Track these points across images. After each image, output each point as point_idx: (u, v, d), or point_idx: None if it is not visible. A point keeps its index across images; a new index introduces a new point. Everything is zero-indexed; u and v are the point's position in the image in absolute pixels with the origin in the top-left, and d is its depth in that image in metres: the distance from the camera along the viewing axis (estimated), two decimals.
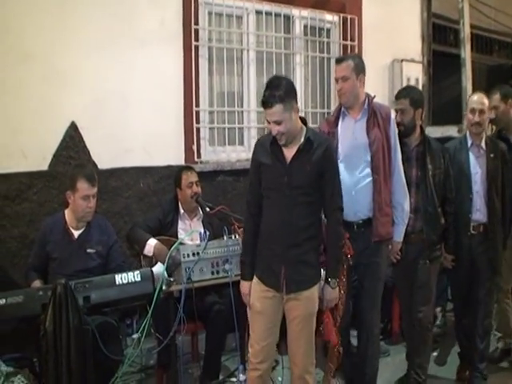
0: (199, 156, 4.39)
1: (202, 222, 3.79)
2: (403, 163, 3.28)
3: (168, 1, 4.22)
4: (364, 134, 3.09)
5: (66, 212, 3.41)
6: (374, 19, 5.24)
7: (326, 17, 5.10)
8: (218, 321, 3.47)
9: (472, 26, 5.02)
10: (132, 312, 3.21)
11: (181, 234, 3.60)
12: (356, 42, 5.17)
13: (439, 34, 5.99)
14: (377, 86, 5.13)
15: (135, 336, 3.82)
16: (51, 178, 3.73)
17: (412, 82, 5.29)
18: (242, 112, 4.74)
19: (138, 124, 4.05)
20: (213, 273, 3.30)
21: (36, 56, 3.65)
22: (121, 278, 2.96)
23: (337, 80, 3.14)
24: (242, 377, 3.30)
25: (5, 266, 3.62)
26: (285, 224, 2.72)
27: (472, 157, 3.59)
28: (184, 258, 3.20)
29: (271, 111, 2.61)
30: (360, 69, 3.10)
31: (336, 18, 5.16)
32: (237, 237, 3.40)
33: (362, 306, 3.22)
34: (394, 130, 3.15)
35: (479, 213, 3.57)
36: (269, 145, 2.75)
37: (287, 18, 4.91)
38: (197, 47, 4.37)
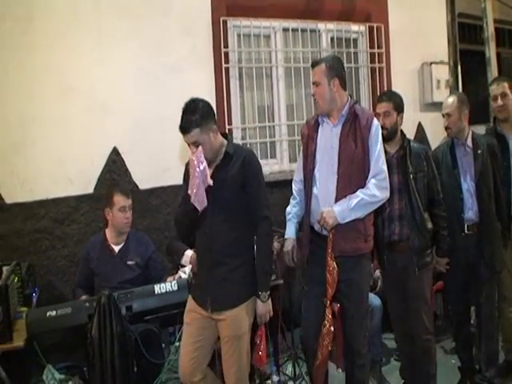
0: None
1: None
2: None
3: (198, 27, 4.49)
4: (338, 142, 2.93)
5: (106, 230, 3.71)
6: (400, 25, 5.31)
7: (352, 27, 5.21)
8: (254, 325, 3.61)
9: (501, 21, 4.97)
10: (174, 321, 3.41)
11: None
12: (383, 49, 5.26)
13: (468, 34, 5.99)
14: (407, 91, 5.23)
15: (178, 344, 4.03)
16: (96, 200, 4.06)
17: (442, 84, 5.32)
18: (274, 126, 4.93)
19: (175, 144, 4.29)
20: None
21: (77, 88, 4.01)
22: (159, 288, 3.18)
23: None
24: (275, 378, 3.44)
25: (55, 282, 3.97)
26: (208, 242, 2.72)
27: (459, 156, 3.52)
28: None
29: (189, 136, 2.65)
30: (334, 71, 2.91)
31: (362, 28, 5.26)
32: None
33: (344, 327, 2.98)
34: (375, 137, 2.91)
35: (471, 212, 3.48)
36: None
37: (314, 32, 5.06)
38: (227, 69, 4.62)
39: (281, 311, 3.54)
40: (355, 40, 5.31)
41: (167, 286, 3.20)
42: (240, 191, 2.71)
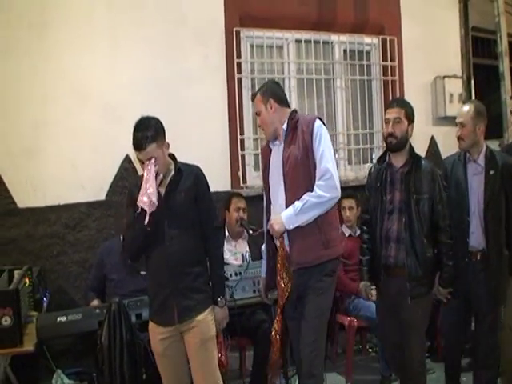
0: (244, 181, 4.63)
1: (248, 242, 4.01)
2: (386, 186, 3.09)
3: (211, 37, 4.53)
4: (281, 153, 2.87)
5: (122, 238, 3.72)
6: (414, 38, 5.32)
7: (365, 40, 5.23)
8: (266, 339, 3.46)
9: None
10: None
11: (225, 254, 3.79)
12: (396, 62, 5.26)
13: (482, 48, 6.00)
14: (420, 104, 5.22)
15: None
16: (108, 207, 4.09)
17: (455, 98, 5.32)
18: None
19: (187, 153, 4.21)
20: (254, 291, 3.48)
21: (91, 96, 4.06)
22: None
23: None
24: None
25: (66, 287, 3.99)
26: (169, 255, 2.71)
27: (469, 174, 3.25)
28: (228, 278, 3.40)
29: (145, 152, 2.65)
30: (268, 96, 2.89)
31: (375, 40, 5.27)
32: None
33: (299, 342, 2.83)
34: (318, 138, 2.77)
35: (474, 237, 3.21)
36: None
37: (326, 44, 5.07)
38: (240, 79, 4.64)
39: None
40: (368, 52, 5.32)
41: None
42: (193, 204, 2.79)
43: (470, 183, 3.26)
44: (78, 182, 4.02)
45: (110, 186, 4.14)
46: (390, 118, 3.11)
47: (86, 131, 4.03)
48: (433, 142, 5.47)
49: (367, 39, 5.25)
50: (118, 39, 4.17)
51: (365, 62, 5.24)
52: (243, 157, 4.67)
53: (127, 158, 4.16)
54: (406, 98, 5.21)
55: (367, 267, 3.23)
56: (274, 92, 2.93)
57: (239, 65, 4.64)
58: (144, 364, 3.00)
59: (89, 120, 4.05)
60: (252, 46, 4.77)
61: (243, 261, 3.77)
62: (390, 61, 5.26)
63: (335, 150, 5.02)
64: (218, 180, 4.45)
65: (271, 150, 2.98)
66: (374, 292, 3.21)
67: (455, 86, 5.37)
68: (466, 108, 3.30)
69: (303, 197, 2.71)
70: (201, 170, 2.91)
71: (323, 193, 2.70)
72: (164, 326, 2.75)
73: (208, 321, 2.78)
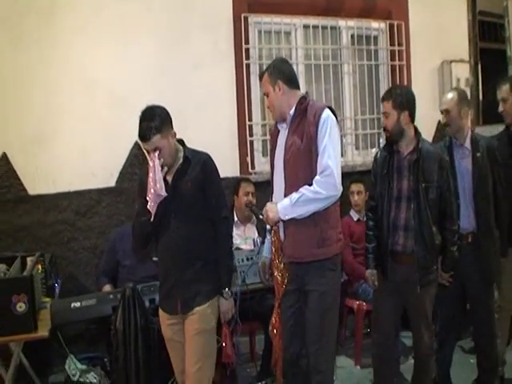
0: (253, 167, 4.65)
1: (256, 227, 4.03)
2: (393, 173, 3.07)
3: (219, 24, 4.52)
4: (284, 141, 2.80)
5: None
6: (421, 23, 5.29)
7: (372, 25, 5.21)
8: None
9: None
10: None
11: (236, 240, 3.82)
12: (404, 47, 5.24)
13: (489, 32, 5.96)
14: (427, 89, 5.25)
15: None
16: (118, 194, 4.12)
17: (462, 83, 5.29)
18: None
19: (196, 139, 4.18)
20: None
21: (100, 83, 4.06)
22: None
23: None
24: None
25: (77, 274, 4.03)
26: (175, 245, 2.71)
27: (457, 158, 3.32)
28: (239, 262, 3.44)
29: (150, 142, 2.62)
30: (275, 76, 2.77)
31: (383, 25, 5.25)
32: None
33: (305, 340, 2.78)
34: (323, 131, 2.64)
35: (466, 220, 3.26)
36: None
37: (334, 29, 5.05)
38: (248, 65, 4.64)
39: None
40: (375, 37, 5.30)
41: None
42: (201, 193, 2.74)
43: (458, 167, 3.31)
44: (89, 168, 4.04)
45: (120, 173, 4.16)
46: (383, 112, 3.14)
47: (96, 118, 4.04)
48: (440, 127, 5.44)
49: (374, 24, 5.23)
50: (126, 26, 4.16)
51: (372, 47, 5.23)
52: (252, 142, 4.68)
53: (136, 145, 4.16)
54: (413, 82, 5.26)
55: (373, 254, 3.20)
56: (282, 71, 2.79)
57: (247, 51, 4.63)
58: (158, 348, 3.02)
59: (98, 107, 4.06)
60: (260, 32, 4.75)
61: (254, 246, 3.78)
62: (398, 45, 5.24)
63: (343, 136, 5.03)
64: (227, 166, 4.46)
65: (279, 131, 2.89)
66: None
67: (462, 71, 5.33)
68: (450, 95, 3.36)
69: (300, 189, 2.63)
70: (209, 158, 2.83)
71: (320, 189, 2.60)
72: (169, 314, 2.78)
73: (207, 313, 2.74)
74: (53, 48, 3.95)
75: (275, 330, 2.83)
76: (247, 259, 3.49)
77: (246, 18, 4.58)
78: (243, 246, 3.79)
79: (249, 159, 4.62)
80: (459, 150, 3.34)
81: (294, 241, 2.71)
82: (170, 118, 2.75)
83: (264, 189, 4.58)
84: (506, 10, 4.57)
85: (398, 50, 5.25)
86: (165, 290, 2.79)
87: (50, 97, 3.94)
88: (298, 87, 2.85)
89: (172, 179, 2.74)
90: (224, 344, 2.93)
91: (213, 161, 2.85)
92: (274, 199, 2.84)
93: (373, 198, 3.25)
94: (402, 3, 5.29)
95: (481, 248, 3.27)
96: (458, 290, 3.38)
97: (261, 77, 2.88)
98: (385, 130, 3.13)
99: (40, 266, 3.28)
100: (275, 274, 2.78)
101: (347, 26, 5.08)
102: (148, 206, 2.63)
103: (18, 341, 2.94)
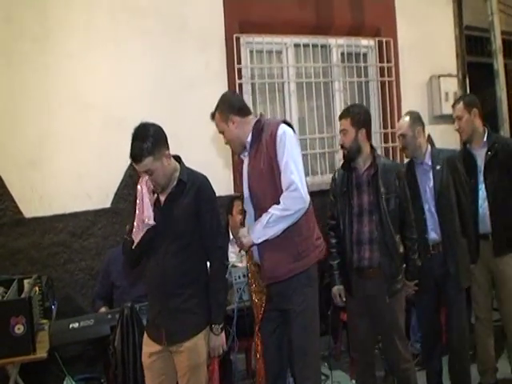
0: None
1: None
2: (353, 190, 3.13)
3: (212, 44, 4.59)
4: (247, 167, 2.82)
5: None
6: (409, 39, 5.39)
7: (361, 42, 5.29)
8: None
9: (507, 33, 5.04)
10: None
11: (231, 258, 3.83)
12: (393, 63, 5.33)
13: (475, 46, 6.06)
14: (416, 104, 5.30)
15: None
16: (114, 214, 4.15)
17: (450, 97, 5.38)
18: None
19: (191, 159, 4.28)
20: None
21: (95, 105, 4.11)
22: None
23: None
24: None
25: (73, 295, 4.03)
26: (160, 274, 2.61)
27: (419, 175, 3.45)
28: (235, 279, 3.45)
29: (141, 165, 2.55)
30: (226, 112, 2.77)
31: (372, 42, 5.34)
32: None
33: (290, 359, 2.84)
34: (281, 147, 2.65)
35: (434, 232, 3.41)
36: None
37: (324, 47, 5.15)
38: (240, 85, 4.70)
39: None
40: (365, 54, 5.39)
41: None
42: (194, 220, 2.63)
43: (420, 183, 3.45)
44: (84, 190, 4.06)
45: (115, 194, 4.19)
46: (340, 130, 3.22)
47: (91, 141, 4.08)
48: (430, 140, 5.53)
49: (364, 41, 5.32)
50: (119, 48, 4.23)
51: (362, 64, 5.30)
52: None
53: (132, 166, 4.15)
54: (403, 97, 5.35)
55: (338, 271, 3.25)
56: (231, 105, 2.79)
57: (240, 70, 4.70)
58: None
59: (93, 130, 4.10)
60: (252, 52, 4.83)
61: None
62: (387, 62, 5.33)
63: (334, 152, 5.10)
64: (221, 184, 4.44)
65: (243, 160, 2.89)
66: None
67: (450, 85, 5.44)
68: (403, 120, 3.53)
69: (269, 210, 2.64)
70: (206, 181, 2.74)
71: (288, 206, 2.63)
72: (154, 341, 2.69)
73: (198, 347, 2.64)
74: (48, 72, 3.99)
75: (258, 354, 2.87)
76: (243, 276, 3.50)
77: (237, 39, 4.65)
78: (239, 264, 3.80)
79: None
80: (420, 167, 3.48)
81: (271, 261, 2.70)
82: (165, 137, 2.66)
83: None
84: (491, 24, 4.67)
85: (387, 67, 5.33)
86: (151, 316, 2.72)
87: (46, 120, 3.98)
88: (249, 112, 2.85)
89: (165, 201, 2.65)
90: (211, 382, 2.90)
91: (209, 184, 2.75)
92: (245, 225, 2.84)
93: (333, 216, 3.30)
94: (390, 20, 5.39)
95: (448, 256, 3.38)
96: (433, 301, 3.51)
97: (212, 117, 2.83)
98: (342, 147, 3.20)
99: (37, 288, 3.30)
100: (253, 298, 2.85)
101: (337, 43, 5.17)
102: (132, 234, 2.56)
103: (17, 363, 2.93)
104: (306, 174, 4.58)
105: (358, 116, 3.13)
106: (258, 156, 2.72)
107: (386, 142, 5.35)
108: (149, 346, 2.70)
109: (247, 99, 4.73)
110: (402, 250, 3.13)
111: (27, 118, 3.95)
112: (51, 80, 4.01)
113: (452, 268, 3.37)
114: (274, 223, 2.63)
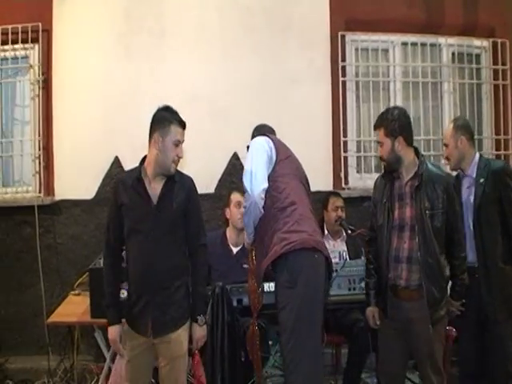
0: (346, 182, 4.69)
1: (346, 242, 4.05)
2: (394, 201, 2.86)
3: (317, 42, 4.67)
4: None
5: (227, 230, 3.90)
6: None
7: (474, 42, 5.09)
8: (360, 338, 3.48)
9: None
10: None
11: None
12: (508, 66, 5.06)
13: None
14: None
15: None
16: (217, 199, 4.39)
17: None
18: None
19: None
20: (349, 289, 3.46)
21: (202, 97, 4.36)
22: (268, 287, 3.23)
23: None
24: None
25: None
26: (149, 267, 2.64)
27: (463, 188, 3.17)
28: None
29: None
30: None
31: (485, 43, 5.12)
32: None
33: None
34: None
35: (471, 253, 3.05)
36: (131, 183, 2.70)
37: (434, 46, 5.01)
38: (344, 82, 4.73)
39: None
40: (478, 56, 5.17)
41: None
42: (182, 218, 2.73)
43: (463, 197, 3.17)
44: (191, 176, 4.25)
45: (219, 180, 4.45)
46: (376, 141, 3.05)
47: (198, 129, 4.22)
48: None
49: (477, 42, 5.10)
50: (227, 45, 4.46)
51: (474, 66, 5.10)
52: (346, 158, 4.73)
53: (235, 155, 4.42)
54: None
55: (375, 290, 3.00)
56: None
57: (344, 68, 4.72)
58: (243, 346, 3.12)
59: (201, 120, 4.30)
60: (357, 50, 4.82)
61: (340, 259, 3.82)
62: (502, 64, 5.07)
63: (440, 156, 4.93)
64: (319, 179, 4.53)
65: None
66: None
67: None
68: (447, 128, 3.31)
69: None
70: (193, 183, 2.86)
71: (245, 203, 2.87)
72: (139, 334, 2.71)
73: (181, 339, 2.70)
74: (161, 63, 4.33)
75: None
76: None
77: (343, 36, 4.69)
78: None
79: (342, 174, 4.67)
80: (465, 180, 3.21)
81: (257, 263, 2.93)
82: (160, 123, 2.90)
83: (357, 204, 4.63)
84: None
85: (502, 69, 5.07)
86: (135, 310, 2.70)
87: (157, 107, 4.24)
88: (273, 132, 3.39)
89: (159, 197, 2.70)
90: (198, 373, 2.98)
91: (195, 186, 2.87)
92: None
93: (372, 228, 3.06)
94: (506, 20, 5.11)
95: (482, 281, 3.07)
96: (473, 329, 3.18)
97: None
98: (381, 159, 2.97)
99: None
100: (252, 296, 2.97)
101: (447, 43, 5.00)
102: None
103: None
104: None
105: (392, 124, 2.85)
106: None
107: (497, 149, 5.08)
108: (132, 340, 2.74)
109: (350, 97, 4.76)
110: (448, 272, 2.83)
111: (140, 103, 4.24)
112: (163, 70, 4.35)
113: (486, 297, 3.06)
114: (245, 221, 2.91)
